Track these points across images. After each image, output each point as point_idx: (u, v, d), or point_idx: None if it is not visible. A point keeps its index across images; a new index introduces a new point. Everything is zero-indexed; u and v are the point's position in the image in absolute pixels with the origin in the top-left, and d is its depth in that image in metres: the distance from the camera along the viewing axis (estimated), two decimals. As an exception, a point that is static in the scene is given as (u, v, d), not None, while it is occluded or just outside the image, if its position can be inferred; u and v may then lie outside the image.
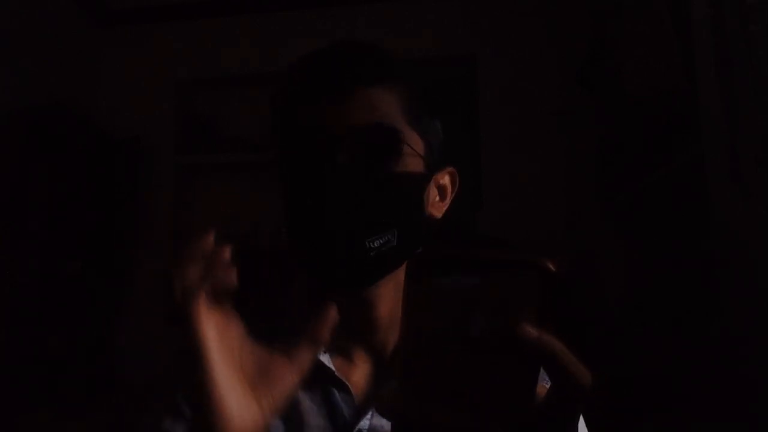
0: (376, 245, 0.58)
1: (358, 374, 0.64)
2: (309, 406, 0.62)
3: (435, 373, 0.35)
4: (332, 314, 0.46)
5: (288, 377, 0.47)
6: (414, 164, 0.62)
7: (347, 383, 0.62)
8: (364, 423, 0.60)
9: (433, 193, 0.67)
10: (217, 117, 2.66)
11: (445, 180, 0.69)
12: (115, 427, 1.92)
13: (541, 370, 0.35)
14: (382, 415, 0.33)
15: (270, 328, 0.65)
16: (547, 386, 0.35)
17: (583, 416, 0.64)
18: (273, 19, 2.66)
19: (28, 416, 1.87)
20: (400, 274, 0.62)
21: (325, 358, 0.63)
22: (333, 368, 0.63)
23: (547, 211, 2.27)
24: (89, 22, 2.68)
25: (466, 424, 0.33)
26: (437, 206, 0.68)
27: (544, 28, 2.43)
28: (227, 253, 0.45)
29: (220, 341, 0.45)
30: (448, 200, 0.70)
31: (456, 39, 2.52)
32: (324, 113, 0.59)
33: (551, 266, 0.33)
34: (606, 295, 2.02)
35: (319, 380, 0.63)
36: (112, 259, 2.43)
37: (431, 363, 0.35)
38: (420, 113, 0.64)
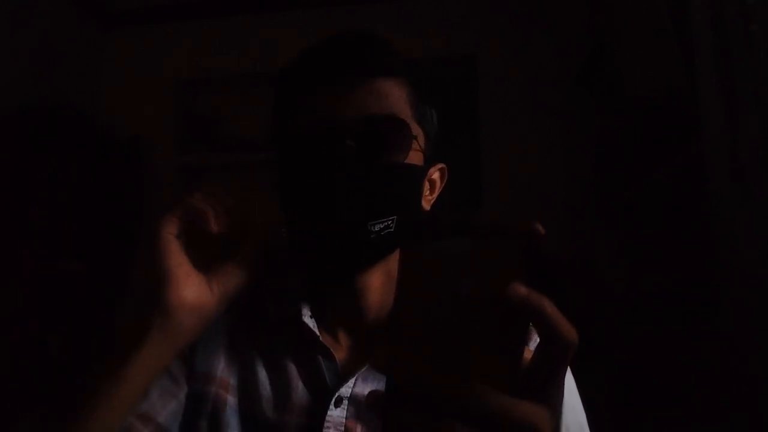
0: (376, 229, 0.60)
1: (343, 350, 0.66)
2: (295, 371, 0.64)
3: (425, 333, 0.36)
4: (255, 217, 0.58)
5: (236, 272, 0.58)
6: (416, 157, 0.64)
7: (331, 350, 0.64)
8: (346, 390, 0.62)
9: (425, 186, 0.70)
10: (217, 117, 2.66)
11: (436, 175, 0.71)
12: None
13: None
14: (378, 370, 0.35)
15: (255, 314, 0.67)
16: (532, 350, 0.36)
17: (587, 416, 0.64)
18: (273, 19, 2.66)
19: (28, 416, 1.87)
20: (391, 264, 0.64)
21: (311, 322, 0.64)
22: (318, 333, 0.64)
23: (546, 211, 2.27)
24: (90, 23, 2.69)
25: (454, 384, 0.33)
26: (427, 199, 0.71)
27: (544, 28, 2.43)
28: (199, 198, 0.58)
29: (177, 242, 0.57)
30: (435, 194, 0.72)
31: (456, 39, 2.52)
32: (336, 99, 0.60)
33: (539, 229, 0.34)
34: (607, 295, 2.02)
35: (305, 346, 0.64)
36: (112, 259, 2.43)
37: (422, 323, 0.36)
38: (422, 106, 0.67)
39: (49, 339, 2.08)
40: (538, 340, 0.36)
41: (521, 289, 0.33)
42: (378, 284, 0.65)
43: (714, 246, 1.31)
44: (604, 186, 2.10)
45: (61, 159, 2.21)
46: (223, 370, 0.64)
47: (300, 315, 0.64)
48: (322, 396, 0.62)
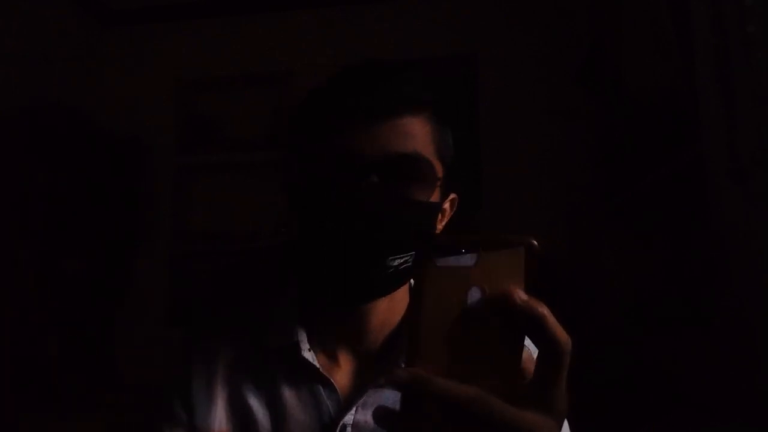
0: (395, 264, 0.61)
1: (343, 373, 0.66)
2: (294, 403, 0.64)
3: (438, 342, 0.39)
4: None
5: None
6: (435, 193, 0.65)
7: (332, 380, 0.64)
8: (348, 418, 0.63)
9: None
10: (217, 117, 2.66)
11: (447, 205, 0.72)
12: (116, 427, 1.92)
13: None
14: (391, 385, 0.36)
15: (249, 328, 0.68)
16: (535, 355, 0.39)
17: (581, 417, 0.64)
18: (273, 19, 2.66)
19: (28, 416, 1.87)
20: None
21: (310, 356, 0.65)
22: (318, 365, 0.64)
23: (547, 211, 2.27)
24: (90, 23, 2.68)
25: (466, 392, 0.36)
26: (437, 228, 0.72)
27: (544, 28, 2.43)
28: None
29: None
30: (444, 222, 0.73)
31: (456, 39, 2.52)
32: (361, 135, 0.61)
33: (535, 243, 0.39)
34: (608, 295, 2.02)
35: (304, 377, 0.65)
36: (113, 259, 2.43)
37: (435, 334, 0.39)
38: (445, 138, 0.67)
39: (49, 339, 2.08)
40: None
41: (522, 296, 0.37)
42: (383, 306, 0.66)
43: (714, 246, 1.31)
44: (604, 186, 2.10)
45: (61, 158, 2.21)
46: (220, 422, 0.64)
47: (299, 349, 0.65)
48: (325, 425, 0.63)
